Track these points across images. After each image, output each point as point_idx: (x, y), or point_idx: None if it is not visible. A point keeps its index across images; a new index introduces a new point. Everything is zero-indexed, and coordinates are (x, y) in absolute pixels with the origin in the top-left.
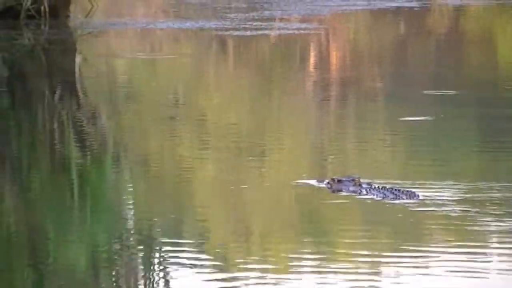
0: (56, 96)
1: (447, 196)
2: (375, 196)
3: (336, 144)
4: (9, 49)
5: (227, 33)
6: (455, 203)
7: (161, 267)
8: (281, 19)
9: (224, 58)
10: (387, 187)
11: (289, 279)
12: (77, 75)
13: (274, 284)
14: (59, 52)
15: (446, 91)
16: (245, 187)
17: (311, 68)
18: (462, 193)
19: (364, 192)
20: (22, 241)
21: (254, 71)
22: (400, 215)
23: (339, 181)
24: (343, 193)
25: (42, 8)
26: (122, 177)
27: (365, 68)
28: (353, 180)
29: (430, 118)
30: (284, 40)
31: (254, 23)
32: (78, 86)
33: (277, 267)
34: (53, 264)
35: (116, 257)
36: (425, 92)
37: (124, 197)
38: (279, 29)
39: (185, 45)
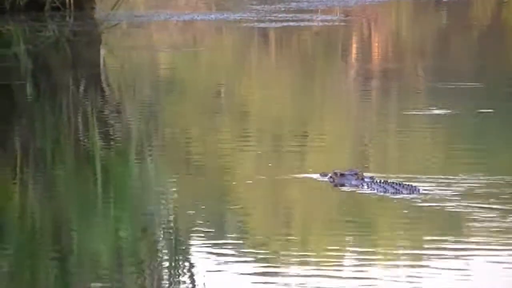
0: (81, 89)
1: (450, 191)
2: (376, 191)
3: (357, 138)
4: (34, 41)
5: (252, 25)
6: (458, 198)
7: (197, 260)
8: (316, 11)
9: (251, 50)
10: (389, 181)
11: (330, 275)
12: (101, 67)
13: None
14: (84, 44)
15: (477, 84)
16: (249, 182)
17: (347, 59)
18: (469, 188)
19: (366, 186)
20: (47, 233)
21: (283, 62)
22: (398, 210)
23: (342, 175)
24: (346, 187)
25: (67, 0)
26: (155, 169)
27: (397, 60)
28: (355, 174)
29: (458, 112)
30: (316, 32)
31: (280, 15)
32: (103, 78)
33: (316, 266)
34: (77, 257)
35: (150, 250)
36: (459, 85)
37: (157, 190)
38: (308, 21)
39: (212, 37)
